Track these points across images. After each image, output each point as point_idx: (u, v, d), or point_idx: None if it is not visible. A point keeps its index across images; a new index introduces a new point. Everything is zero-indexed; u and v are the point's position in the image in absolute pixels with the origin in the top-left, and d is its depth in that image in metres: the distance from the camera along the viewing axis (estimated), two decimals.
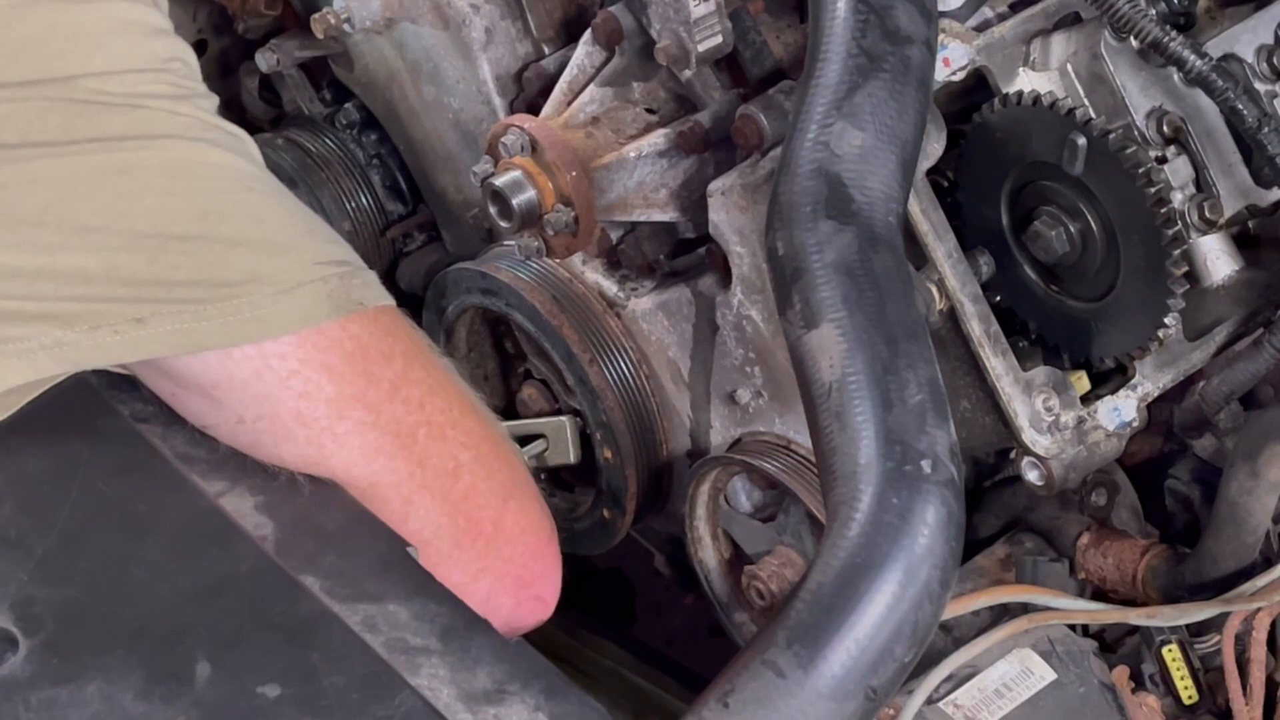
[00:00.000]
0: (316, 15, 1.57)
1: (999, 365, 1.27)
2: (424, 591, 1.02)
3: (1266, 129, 1.21)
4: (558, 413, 1.55)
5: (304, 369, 1.05)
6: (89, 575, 0.99)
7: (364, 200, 1.69)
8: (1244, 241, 1.31)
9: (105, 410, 1.11)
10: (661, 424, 1.49)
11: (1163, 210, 1.20)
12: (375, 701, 0.95)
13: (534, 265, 1.48)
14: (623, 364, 1.46)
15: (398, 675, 0.96)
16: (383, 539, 1.07)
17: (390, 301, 1.11)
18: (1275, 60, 1.27)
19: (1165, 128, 1.26)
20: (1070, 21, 1.29)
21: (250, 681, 0.95)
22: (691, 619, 1.80)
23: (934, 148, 1.25)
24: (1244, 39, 1.28)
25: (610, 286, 1.46)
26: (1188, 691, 1.24)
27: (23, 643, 0.96)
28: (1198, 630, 1.24)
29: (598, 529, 1.56)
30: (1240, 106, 1.21)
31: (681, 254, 1.45)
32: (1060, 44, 1.27)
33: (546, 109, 1.42)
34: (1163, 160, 1.25)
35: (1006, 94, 1.25)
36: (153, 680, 0.95)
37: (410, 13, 1.54)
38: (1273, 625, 1.22)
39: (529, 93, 1.51)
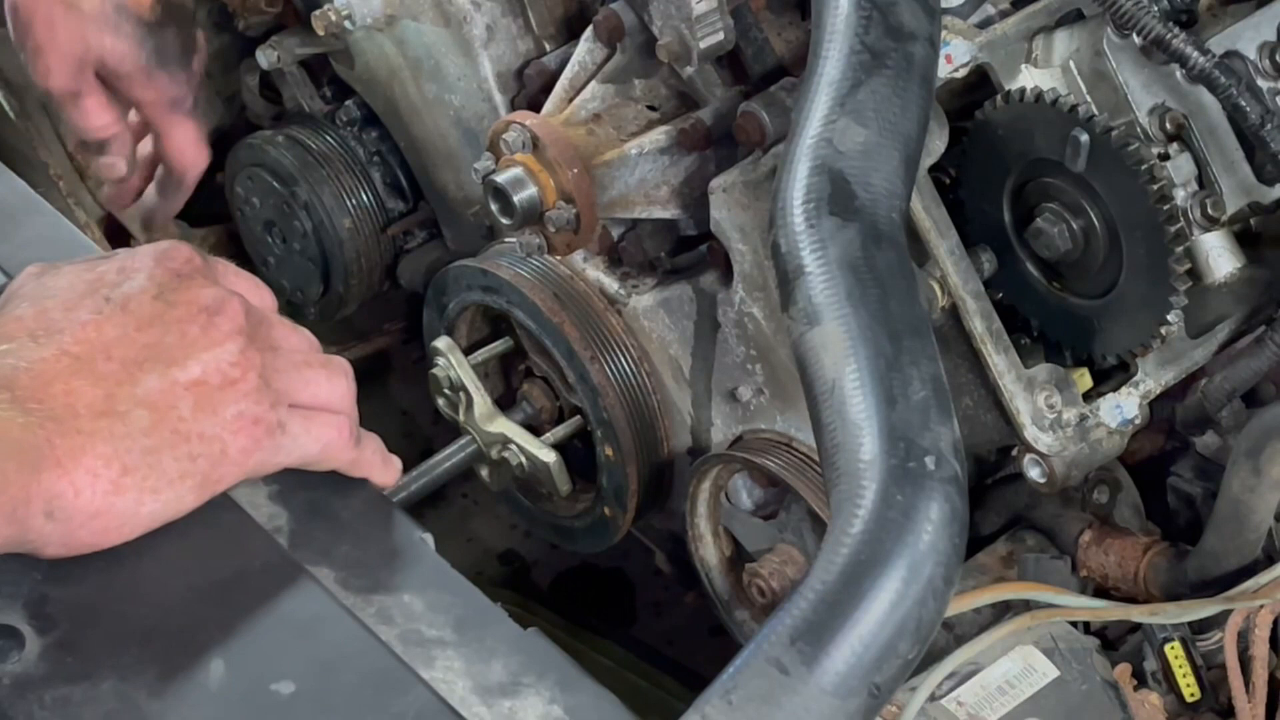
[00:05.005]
0: (317, 12, 1.57)
1: (1001, 362, 1.26)
2: (438, 581, 1.01)
3: (1269, 126, 1.21)
4: (559, 410, 1.55)
5: None
6: (102, 573, 0.99)
7: (365, 197, 1.69)
8: (1246, 239, 1.31)
9: None
10: (662, 421, 1.48)
11: (1165, 207, 1.20)
12: (389, 697, 0.95)
13: (535, 263, 1.48)
14: (624, 361, 1.46)
15: (411, 670, 0.96)
16: (397, 526, 1.06)
17: None
18: (1278, 57, 1.27)
19: (1168, 125, 1.25)
20: (1073, 18, 1.28)
21: (264, 678, 0.95)
22: (692, 618, 1.79)
23: (936, 145, 1.25)
24: (1246, 36, 1.28)
25: (611, 284, 1.46)
26: (1190, 689, 1.24)
27: (36, 641, 0.96)
28: (1200, 628, 1.24)
29: (598, 527, 1.56)
30: (1243, 103, 1.21)
31: (683, 251, 1.45)
32: (1063, 41, 1.27)
33: (548, 106, 1.42)
34: (1165, 157, 1.25)
35: (1009, 91, 1.25)
36: (166, 678, 0.95)
37: (411, 10, 1.54)
38: (1275, 622, 1.22)
39: (530, 90, 1.51)
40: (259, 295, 1.12)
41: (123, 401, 1.00)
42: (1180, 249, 1.21)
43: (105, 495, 0.98)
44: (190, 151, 1.55)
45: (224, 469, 1.02)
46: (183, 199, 1.60)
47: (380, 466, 1.12)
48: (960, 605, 1.25)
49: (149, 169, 1.60)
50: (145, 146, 1.58)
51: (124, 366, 1.01)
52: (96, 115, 1.50)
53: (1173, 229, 1.20)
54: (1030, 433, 1.26)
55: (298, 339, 1.11)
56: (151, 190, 1.61)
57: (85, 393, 0.99)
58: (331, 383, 1.09)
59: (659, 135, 1.37)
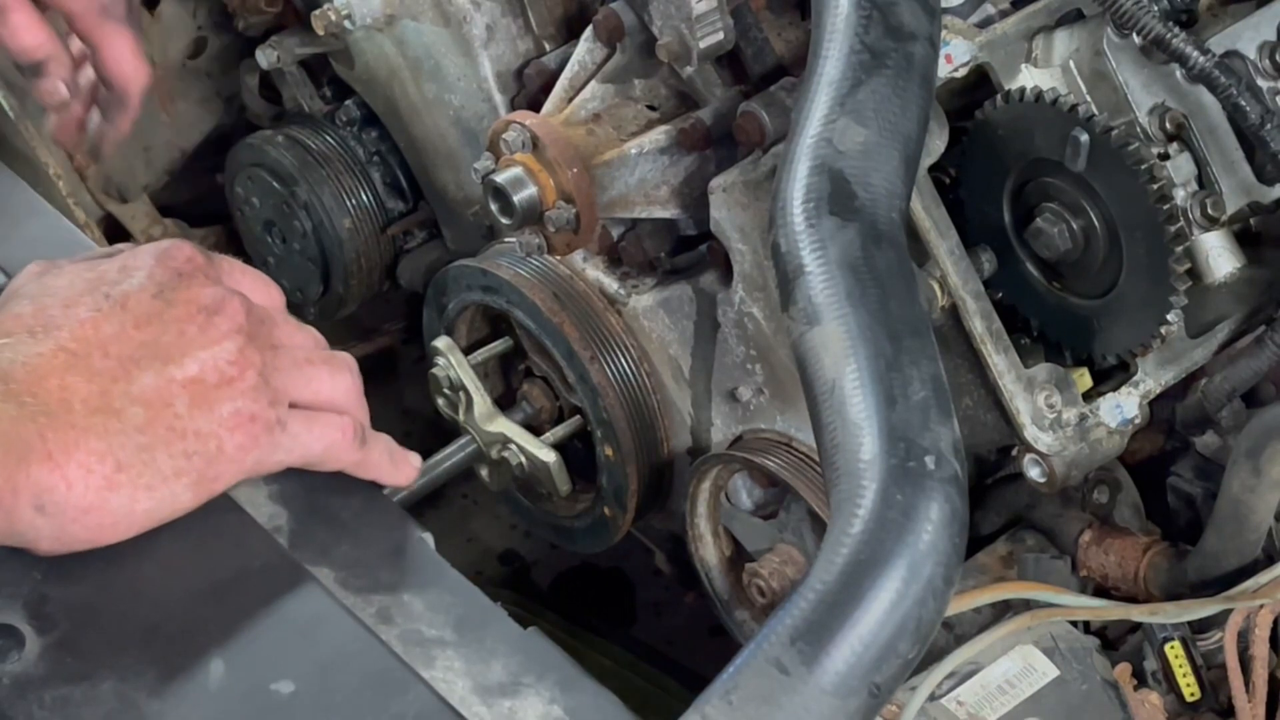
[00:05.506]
0: (317, 12, 1.57)
1: (1001, 362, 1.26)
2: (438, 581, 1.02)
3: (1269, 125, 1.21)
4: (559, 410, 1.55)
5: None
6: (101, 573, 0.99)
7: (364, 197, 1.69)
8: (1246, 239, 1.31)
9: None
10: (662, 421, 1.48)
11: (1165, 207, 1.20)
12: (389, 697, 0.95)
13: (535, 262, 1.48)
14: (623, 361, 1.46)
15: (411, 670, 0.96)
16: (396, 525, 1.07)
17: None
18: (1278, 57, 1.27)
19: (1168, 124, 1.25)
20: (1072, 18, 1.28)
21: (264, 678, 0.95)
22: (692, 618, 1.79)
23: (936, 144, 1.25)
24: (1246, 35, 1.28)
25: (611, 284, 1.46)
26: (1190, 689, 1.24)
27: (35, 640, 0.96)
28: (1200, 627, 1.24)
29: (598, 527, 1.56)
30: (1243, 103, 1.21)
31: (682, 251, 1.45)
32: (1062, 41, 1.27)
33: (547, 106, 1.42)
34: (1165, 157, 1.25)
35: (1009, 91, 1.25)
36: (166, 678, 0.95)
37: (411, 9, 1.54)
38: (1275, 622, 1.21)
39: (530, 90, 1.51)
40: (266, 293, 1.12)
41: (118, 398, 1.00)
42: (1180, 249, 1.21)
43: (99, 491, 0.98)
44: (129, 62, 1.42)
45: (220, 467, 1.02)
46: (129, 120, 1.48)
47: (389, 468, 1.11)
48: (960, 605, 1.25)
49: (90, 95, 1.49)
50: (87, 75, 1.48)
51: (120, 363, 1.01)
52: (27, 33, 1.38)
53: (1173, 229, 1.20)
54: (1030, 432, 1.26)
55: (302, 337, 1.11)
56: (96, 115, 1.50)
57: (80, 388, 0.99)
58: (334, 380, 1.09)
59: (659, 135, 1.37)
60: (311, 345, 1.11)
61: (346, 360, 1.11)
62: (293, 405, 1.06)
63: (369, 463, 1.10)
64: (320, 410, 1.08)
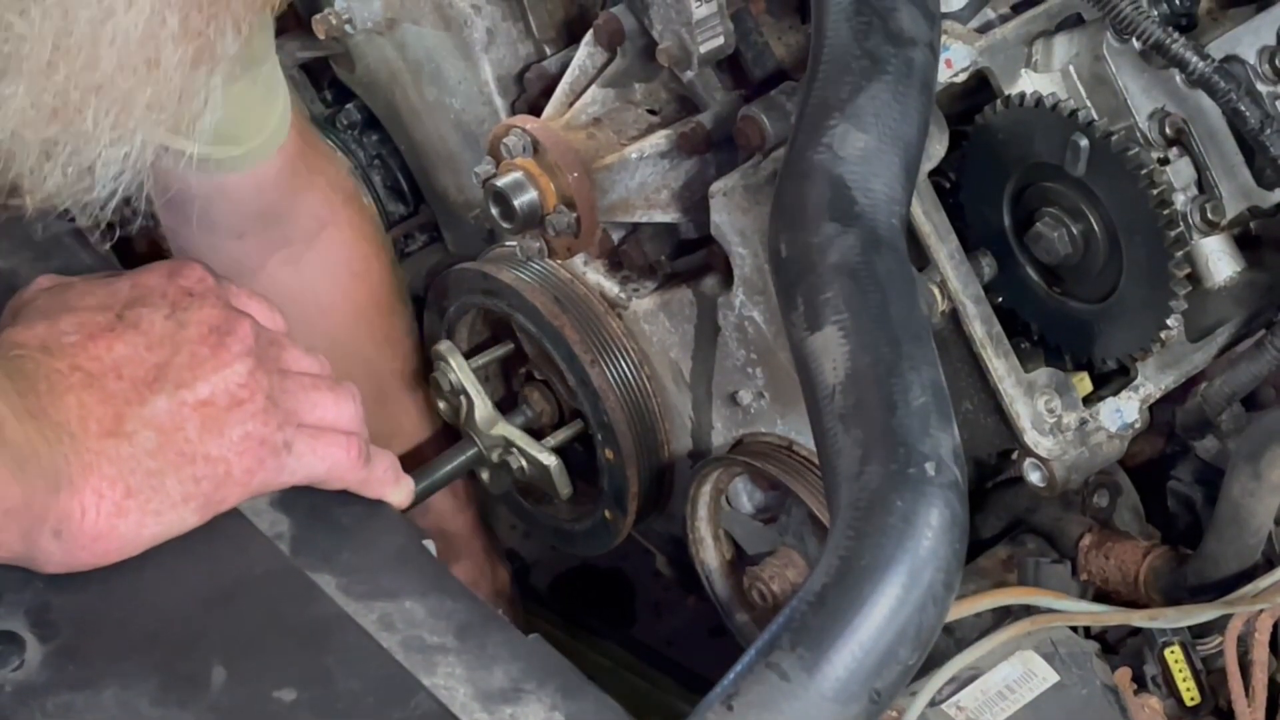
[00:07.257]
0: (317, 16, 1.57)
1: (1001, 366, 1.27)
2: (440, 587, 1.02)
3: (1269, 130, 1.21)
4: (560, 414, 1.55)
5: None
6: (103, 581, 0.99)
7: (365, 201, 1.69)
8: (1246, 243, 1.31)
9: None
10: (663, 425, 1.48)
11: (1165, 212, 1.21)
12: (391, 704, 0.95)
13: (535, 266, 1.48)
14: (624, 365, 1.46)
15: (413, 677, 0.96)
16: (398, 532, 1.07)
17: None
18: (1277, 61, 1.27)
19: (1167, 129, 1.26)
20: (1072, 23, 1.29)
21: (266, 686, 0.95)
22: (692, 619, 1.79)
23: (936, 149, 1.25)
24: (1246, 40, 1.28)
25: (612, 287, 1.46)
26: (1190, 693, 1.24)
27: (38, 647, 0.96)
28: (1200, 632, 1.24)
29: (599, 529, 1.56)
30: (1242, 108, 1.21)
31: (683, 255, 1.45)
32: (1062, 45, 1.27)
33: (548, 110, 1.42)
34: (1165, 162, 1.25)
35: (1009, 95, 1.25)
36: (168, 685, 0.95)
37: (412, 13, 1.54)
38: (1275, 627, 1.21)
39: (531, 94, 1.51)
40: (270, 318, 1.12)
41: (130, 421, 1.00)
42: (1180, 253, 1.21)
43: (108, 517, 0.98)
44: None
45: (227, 490, 1.03)
46: None
47: (393, 486, 1.12)
48: (961, 610, 1.25)
49: None
50: None
51: (134, 385, 1.01)
52: None
53: (1172, 233, 1.21)
54: (1030, 437, 1.26)
55: (308, 362, 1.11)
56: None
57: (95, 409, 1.00)
58: (339, 406, 1.10)
59: (659, 139, 1.37)
60: (317, 370, 1.12)
61: (351, 389, 1.13)
62: (298, 426, 1.07)
63: (373, 480, 1.11)
64: (325, 430, 1.09)
